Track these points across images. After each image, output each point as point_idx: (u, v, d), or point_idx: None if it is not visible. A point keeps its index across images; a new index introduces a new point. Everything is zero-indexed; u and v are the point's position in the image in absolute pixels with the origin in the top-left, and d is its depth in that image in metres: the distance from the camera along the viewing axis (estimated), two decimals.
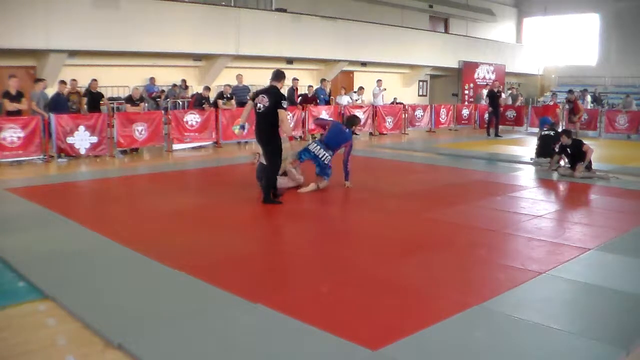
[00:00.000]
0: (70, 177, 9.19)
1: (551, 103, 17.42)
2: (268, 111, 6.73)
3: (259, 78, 15.51)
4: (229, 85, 14.07)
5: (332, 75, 19.23)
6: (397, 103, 18.85)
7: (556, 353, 3.16)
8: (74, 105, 11.83)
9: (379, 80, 17.68)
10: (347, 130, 8.13)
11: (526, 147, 13.34)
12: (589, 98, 19.80)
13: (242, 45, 16.22)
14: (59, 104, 11.24)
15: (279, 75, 6.97)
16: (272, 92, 6.81)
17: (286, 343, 3.24)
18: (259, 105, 6.82)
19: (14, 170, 9.85)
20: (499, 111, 16.94)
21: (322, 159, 7.81)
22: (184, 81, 15.86)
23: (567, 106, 16.76)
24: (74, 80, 12.05)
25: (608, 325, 3.53)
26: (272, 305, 3.69)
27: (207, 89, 13.58)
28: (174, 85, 15.50)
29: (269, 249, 5.26)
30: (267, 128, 6.81)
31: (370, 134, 16.42)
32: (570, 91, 16.86)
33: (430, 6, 24.27)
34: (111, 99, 14.06)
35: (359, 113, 15.89)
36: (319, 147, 7.84)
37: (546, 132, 10.73)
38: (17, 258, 4.65)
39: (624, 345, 3.22)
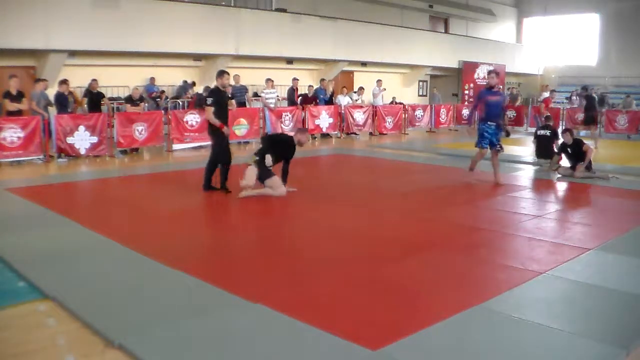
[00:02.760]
0: (70, 177, 9.19)
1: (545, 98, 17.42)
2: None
3: (258, 78, 15.53)
4: (230, 85, 14.05)
5: (332, 75, 19.23)
6: (396, 102, 18.86)
7: (556, 353, 3.16)
8: (70, 106, 11.85)
9: (379, 80, 17.69)
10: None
11: (526, 147, 13.33)
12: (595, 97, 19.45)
13: (242, 45, 16.22)
14: (62, 102, 11.27)
15: (218, 74, 7.57)
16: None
17: (286, 343, 3.24)
18: None
19: (14, 170, 9.85)
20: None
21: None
22: (189, 82, 15.92)
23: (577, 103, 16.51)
24: (66, 80, 12.06)
25: (608, 325, 3.53)
26: (272, 305, 3.68)
27: (208, 88, 13.58)
28: (185, 82, 15.51)
29: (269, 249, 5.26)
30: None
31: (370, 134, 16.42)
32: (584, 87, 16.34)
33: (430, 6, 24.27)
34: (111, 99, 14.07)
35: (358, 113, 15.97)
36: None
37: (542, 133, 10.54)
38: (17, 258, 4.65)
39: (624, 345, 3.22)
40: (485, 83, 23.55)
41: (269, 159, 7.09)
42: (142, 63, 15.29)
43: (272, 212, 6.76)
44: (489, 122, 8.32)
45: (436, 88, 20.55)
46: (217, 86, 7.58)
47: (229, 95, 13.45)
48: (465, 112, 19.53)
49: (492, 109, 8.28)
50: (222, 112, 7.47)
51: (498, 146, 8.37)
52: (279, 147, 7.39)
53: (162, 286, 4.14)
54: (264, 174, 7.13)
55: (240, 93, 14.23)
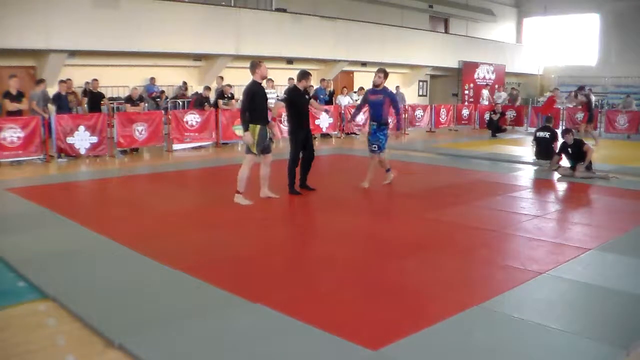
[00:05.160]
0: (70, 177, 9.19)
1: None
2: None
3: None
4: (229, 85, 14.10)
5: (332, 75, 19.23)
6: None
7: (556, 353, 3.16)
8: (71, 105, 11.85)
9: None
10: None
11: (526, 147, 13.33)
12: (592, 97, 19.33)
13: (242, 45, 16.22)
14: (60, 102, 11.28)
15: (302, 76, 7.62)
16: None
17: (286, 343, 3.24)
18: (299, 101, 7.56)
19: (14, 170, 9.85)
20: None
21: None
22: (184, 83, 15.95)
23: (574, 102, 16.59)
24: (69, 79, 12.08)
25: (608, 325, 3.53)
26: (272, 305, 3.69)
27: (208, 89, 13.62)
28: (185, 83, 15.59)
29: (269, 249, 5.26)
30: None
31: None
32: (581, 87, 16.46)
33: (430, 6, 24.26)
34: (111, 99, 14.08)
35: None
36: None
37: (541, 135, 10.52)
38: (17, 258, 4.65)
39: (624, 345, 3.22)
40: (484, 83, 23.74)
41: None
42: (142, 63, 15.28)
43: (271, 212, 6.76)
44: (371, 122, 8.02)
45: (400, 86, 19.62)
46: (295, 85, 7.65)
47: (229, 95, 13.58)
48: (466, 112, 19.56)
49: (372, 108, 7.95)
50: (299, 113, 7.50)
51: (374, 146, 7.93)
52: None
53: (162, 286, 4.15)
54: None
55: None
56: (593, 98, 19.09)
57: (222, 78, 14.67)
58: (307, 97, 7.66)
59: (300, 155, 7.61)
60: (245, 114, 6.75)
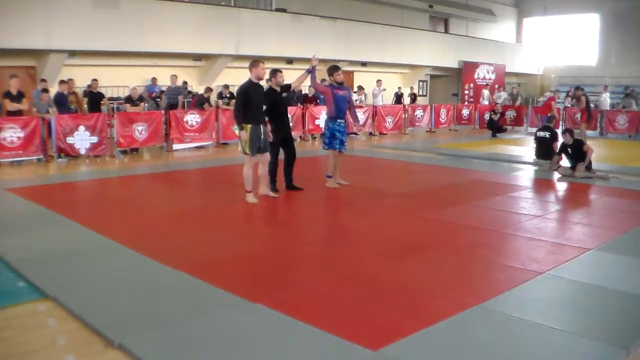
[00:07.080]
0: (70, 177, 9.19)
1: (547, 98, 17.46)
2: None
3: None
4: (226, 86, 14.15)
5: None
6: (400, 95, 18.97)
7: (556, 353, 3.16)
8: (72, 105, 11.84)
9: (378, 81, 17.68)
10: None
11: (526, 147, 13.34)
12: (607, 96, 18.82)
13: (242, 45, 16.22)
14: (61, 102, 11.27)
15: (271, 73, 7.52)
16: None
17: (286, 343, 3.24)
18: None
19: (14, 170, 9.85)
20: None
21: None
22: (185, 83, 15.95)
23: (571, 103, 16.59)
24: (70, 79, 12.06)
25: (608, 325, 3.53)
26: (272, 305, 3.69)
27: (209, 89, 13.63)
28: (185, 82, 15.62)
29: (269, 249, 5.26)
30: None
31: (370, 134, 16.42)
32: (578, 88, 16.61)
33: (430, 6, 24.27)
34: (111, 99, 14.08)
35: (358, 113, 15.93)
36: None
37: (542, 135, 10.54)
38: (17, 258, 4.65)
39: (624, 345, 3.22)
40: (484, 83, 23.71)
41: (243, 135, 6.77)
42: (142, 63, 15.28)
43: (271, 213, 6.76)
44: (339, 120, 7.82)
45: (483, 88, 18.99)
46: (270, 86, 7.48)
47: (229, 95, 13.59)
48: (466, 112, 19.53)
49: (341, 104, 7.78)
50: (276, 113, 7.37)
51: (346, 146, 7.94)
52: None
53: (162, 286, 4.14)
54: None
55: (173, 94, 14.14)
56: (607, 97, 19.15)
57: (176, 76, 14.57)
58: (283, 95, 7.58)
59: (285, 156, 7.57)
60: (238, 112, 6.72)
